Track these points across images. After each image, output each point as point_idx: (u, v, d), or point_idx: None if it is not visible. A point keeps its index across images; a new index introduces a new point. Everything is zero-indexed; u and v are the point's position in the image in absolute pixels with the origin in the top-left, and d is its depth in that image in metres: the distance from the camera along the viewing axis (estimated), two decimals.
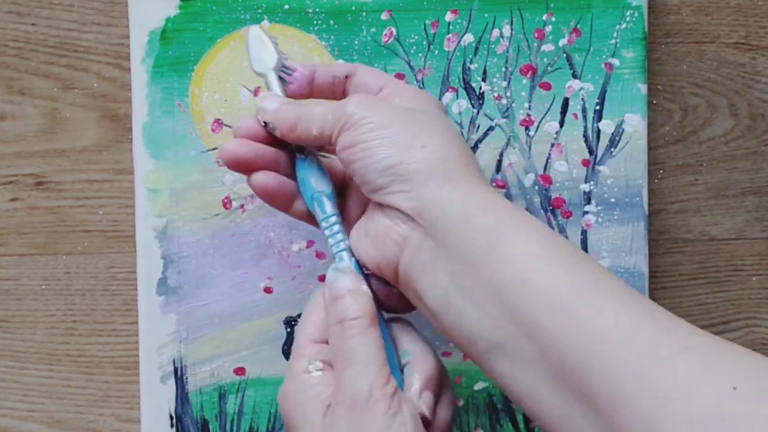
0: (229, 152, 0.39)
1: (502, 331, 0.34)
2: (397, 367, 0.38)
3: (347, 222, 0.41)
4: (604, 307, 0.32)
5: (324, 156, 0.43)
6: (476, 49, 0.50)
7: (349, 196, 0.42)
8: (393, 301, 0.40)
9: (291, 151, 0.41)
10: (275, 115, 0.39)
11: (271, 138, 0.40)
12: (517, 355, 0.34)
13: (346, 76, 0.41)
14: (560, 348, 0.32)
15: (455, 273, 0.35)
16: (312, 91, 0.42)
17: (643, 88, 0.51)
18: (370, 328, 0.36)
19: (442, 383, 0.38)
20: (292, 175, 0.41)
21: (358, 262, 0.39)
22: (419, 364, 0.38)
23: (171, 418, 0.49)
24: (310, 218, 0.41)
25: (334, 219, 0.40)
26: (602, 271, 0.34)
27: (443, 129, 0.38)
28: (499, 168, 0.51)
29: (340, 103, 0.38)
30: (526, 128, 0.51)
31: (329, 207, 0.40)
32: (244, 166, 0.40)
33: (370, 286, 0.39)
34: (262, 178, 0.39)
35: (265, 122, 0.40)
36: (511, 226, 0.35)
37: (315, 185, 0.40)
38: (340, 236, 0.40)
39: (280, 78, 0.41)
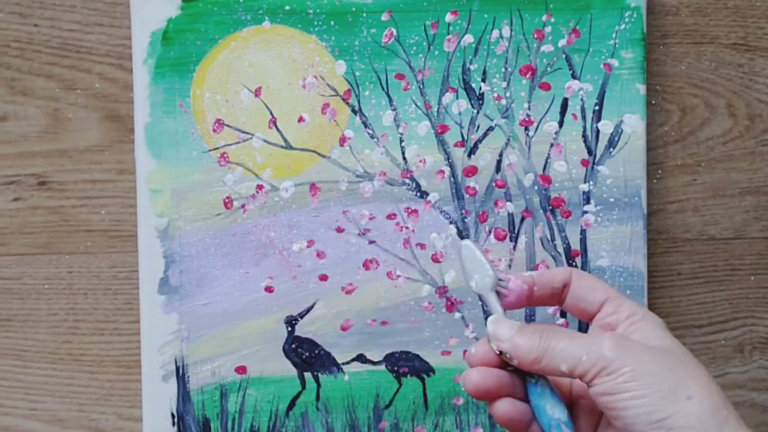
0: (475, 384, 0.39)
1: None
2: None
3: None
4: None
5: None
6: (476, 49, 0.50)
7: (578, 415, 0.42)
8: None
9: (520, 374, 0.41)
10: (514, 346, 0.39)
11: (503, 363, 0.40)
12: None
13: (564, 285, 0.41)
14: None
15: None
16: (530, 302, 0.42)
17: (642, 89, 0.51)
18: None
19: None
20: (525, 397, 0.41)
21: None
22: None
23: (173, 416, 0.50)
24: None
25: None
26: None
27: (699, 374, 0.38)
28: (498, 168, 0.51)
29: (594, 344, 0.38)
30: (526, 128, 0.51)
31: None
32: (487, 395, 0.40)
33: None
34: (507, 407, 0.40)
35: (500, 351, 0.39)
36: None
37: (551, 413, 0.39)
38: None
39: (497, 291, 0.41)
